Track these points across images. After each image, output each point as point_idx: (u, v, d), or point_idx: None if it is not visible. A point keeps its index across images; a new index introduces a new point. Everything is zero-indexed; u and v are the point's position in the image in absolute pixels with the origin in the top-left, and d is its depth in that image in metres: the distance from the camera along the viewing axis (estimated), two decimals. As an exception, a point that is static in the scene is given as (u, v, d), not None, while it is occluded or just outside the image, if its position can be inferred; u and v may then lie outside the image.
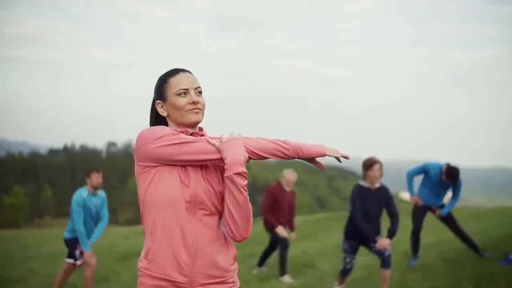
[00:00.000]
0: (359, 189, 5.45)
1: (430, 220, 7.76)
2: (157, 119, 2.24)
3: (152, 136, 2.05)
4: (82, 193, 6.19)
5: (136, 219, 39.83)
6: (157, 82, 2.22)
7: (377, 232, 5.44)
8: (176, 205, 2.04)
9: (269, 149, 2.11)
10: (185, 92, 2.13)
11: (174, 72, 2.18)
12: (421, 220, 7.01)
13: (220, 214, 2.15)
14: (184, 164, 2.07)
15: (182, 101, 2.12)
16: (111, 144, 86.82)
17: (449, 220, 6.99)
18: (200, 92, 2.17)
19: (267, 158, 2.12)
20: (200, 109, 2.15)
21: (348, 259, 5.61)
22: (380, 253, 5.31)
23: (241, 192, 2.03)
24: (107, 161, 76.19)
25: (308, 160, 2.17)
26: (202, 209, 2.08)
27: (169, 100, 2.15)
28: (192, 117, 2.14)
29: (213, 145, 2.06)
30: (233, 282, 2.16)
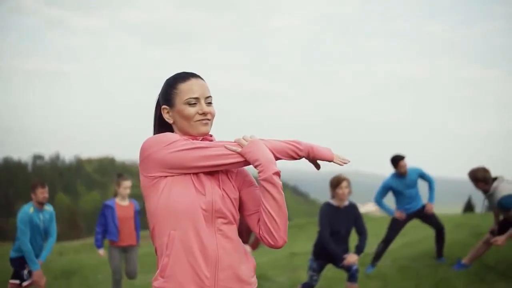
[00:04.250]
0: (328, 208, 5.33)
1: (377, 227, 7.89)
2: (161, 125, 2.09)
3: (162, 143, 1.92)
4: (27, 209, 5.81)
5: (66, 235, 38.11)
6: (164, 85, 2.08)
7: (345, 250, 5.37)
8: (193, 215, 1.90)
9: (284, 150, 2.02)
10: (195, 101, 2.00)
11: (185, 77, 2.03)
12: (398, 231, 7.13)
13: (237, 223, 2.04)
14: (200, 171, 1.94)
15: (191, 110, 1.99)
16: (37, 157, 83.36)
17: (430, 215, 7.06)
18: (210, 102, 2.03)
19: (281, 159, 2.03)
20: (210, 120, 2.02)
21: (315, 277, 5.54)
22: (348, 268, 5.28)
23: (281, 193, 1.93)
24: (33, 175, 72.98)
25: (310, 160, 2.10)
26: (220, 217, 1.96)
27: (177, 107, 2.01)
28: (201, 129, 2.01)
29: (234, 150, 1.95)
30: None
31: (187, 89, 2.00)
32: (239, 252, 1.99)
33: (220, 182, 2.00)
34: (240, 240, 2.04)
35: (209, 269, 1.91)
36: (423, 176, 7.00)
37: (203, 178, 1.96)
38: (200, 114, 1.99)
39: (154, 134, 2.10)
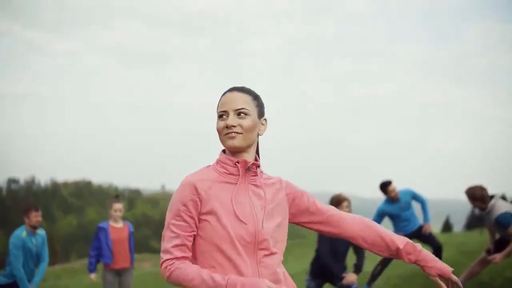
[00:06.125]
0: None
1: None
2: None
3: (170, 204, 1.90)
4: (20, 233, 5.68)
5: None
6: None
7: (344, 269, 5.36)
8: (233, 248, 1.81)
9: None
10: (224, 114, 1.91)
11: (224, 92, 1.97)
12: None
13: (282, 250, 1.95)
14: None
15: (220, 124, 1.91)
16: (11, 181, 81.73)
17: (427, 235, 7.05)
18: (244, 114, 1.89)
19: None
20: (239, 133, 1.88)
21: None
22: (347, 287, 5.26)
23: None
24: (7, 199, 71.60)
25: None
26: (263, 249, 1.86)
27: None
28: (228, 142, 1.89)
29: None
30: None
31: (220, 104, 1.95)
32: (280, 282, 1.90)
33: (269, 208, 1.91)
34: (281, 266, 1.95)
35: None
36: (415, 197, 7.07)
37: (246, 206, 1.87)
38: (226, 128, 1.89)
39: None
